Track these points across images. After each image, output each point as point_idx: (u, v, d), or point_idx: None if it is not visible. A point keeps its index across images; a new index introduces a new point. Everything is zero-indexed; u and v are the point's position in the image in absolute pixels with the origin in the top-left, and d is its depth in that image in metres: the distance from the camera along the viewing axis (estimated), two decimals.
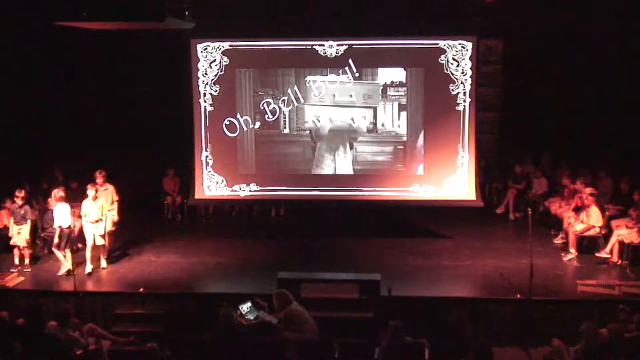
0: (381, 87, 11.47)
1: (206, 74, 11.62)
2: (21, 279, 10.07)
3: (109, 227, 10.68)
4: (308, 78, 11.51)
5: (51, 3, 9.76)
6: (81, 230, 10.43)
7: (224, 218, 13.44)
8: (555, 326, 8.71)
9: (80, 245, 10.65)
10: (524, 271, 9.40)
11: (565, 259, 10.61)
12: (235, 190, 11.87)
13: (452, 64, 11.29)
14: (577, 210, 10.93)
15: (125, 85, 13.72)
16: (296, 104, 11.57)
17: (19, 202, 10.41)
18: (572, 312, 8.83)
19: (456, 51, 11.28)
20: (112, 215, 10.84)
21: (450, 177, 11.52)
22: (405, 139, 11.58)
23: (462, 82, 11.31)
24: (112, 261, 10.75)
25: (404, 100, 11.50)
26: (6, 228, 10.79)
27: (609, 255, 10.39)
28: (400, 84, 11.46)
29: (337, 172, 11.73)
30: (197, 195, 11.95)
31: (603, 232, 10.61)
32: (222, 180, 11.85)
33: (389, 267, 10.15)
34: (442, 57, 11.29)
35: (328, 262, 10.56)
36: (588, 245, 10.78)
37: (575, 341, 7.32)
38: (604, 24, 12.10)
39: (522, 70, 13.44)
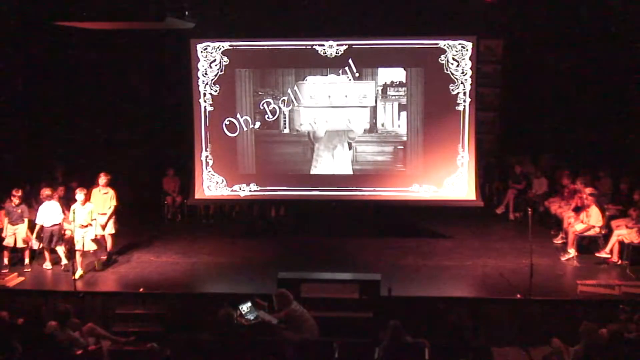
0: (381, 87, 11.48)
1: (206, 74, 11.62)
2: (21, 279, 10.05)
3: (109, 230, 10.58)
4: (308, 78, 11.52)
5: (51, 3, 9.76)
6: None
7: (224, 218, 13.44)
8: (555, 326, 8.70)
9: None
10: (524, 271, 9.40)
11: (563, 258, 10.61)
12: (235, 190, 11.87)
13: (452, 64, 11.29)
14: (577, 210, 10.93)
15: (126, 85, 13.72)
16: (296, 104, 11.57)
17: (16, 201, 10.35)
18: (572, 312, 8.82)
19: (456, 51, 11.28)
20: (105, 219, 10.51)
21: (450, 177, 11.52)
22: (405, 139, 11.58)
23: (462, 82, 11.31)
24: (113, 261, 10.76)
25: (404, 100, 11.50)
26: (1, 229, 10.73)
27: (609, 255, 10.39)
28: (400, 84, 11.46)
29: (336, 172, 11.73)
30: (197, 195, 11.95)
31: (603, 232, 10.61)
32: (222, 180, 11.85)
33: (389, 267, 10.14)
34: (442, 57, 11.30)
35: (328, 262, 10.55)
36: (588, 245, 10.78)
37: (575, 341, 7.32)
38: (604, 23, 12.10)
39: (522, 70, 13.44)
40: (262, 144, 11.76)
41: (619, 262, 10.27)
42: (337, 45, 11.41)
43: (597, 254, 10.55)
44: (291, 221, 13.20)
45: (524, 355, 8.27)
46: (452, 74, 11.31)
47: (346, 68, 11.40)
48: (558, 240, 11.41)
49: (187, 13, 10.69)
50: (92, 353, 7.65)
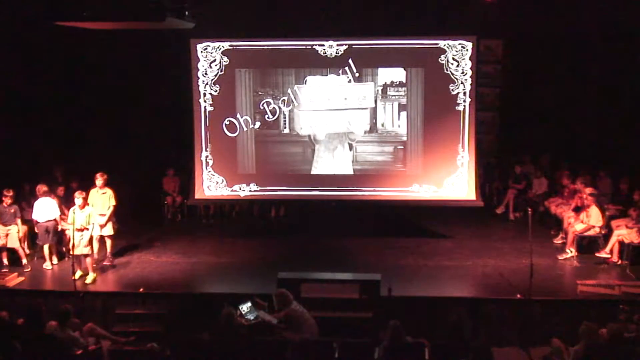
0: (381, 87, 11.48)
1: (206, 74, 11.62)
2: (21, 279, 10.06)
3: (108, 232, 10.54)
4: (308, 79, 11.52)
5: (51, 3, 9.75)
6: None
7: (224, 218, 13.44)
8: (555, 326, 8.71)
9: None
10: (524, 271, 9.40)
11: (560, 258, 10.62)
12: (235, 190, 11.87)
13: (452, 64, 11.29)
14: (577, 210, 10.94)
15: (125, 85, 13.72)
16: (296, 105, 11.57)
17: (8, 201, 10.36)
18: (572, 312, 8.82)
19: (456, 51, 11.28)
20: (105, 219, 10.45)
21: (450, 177, 11.52)
22: (405, 139, 11.57)
23: (462, 82, 11.31)
24: (111, 266, 10.74)
25: (404, 100, 11.50)
26: None
27: (609, 255, 10.40)
28: (400, 84, 11.47)
29: (336, 172, 11.73)
30: (197, 195, 11.95)
31: (603, 232, 10.61)
32: (222, 180, 11.85)
33: (389, 267, 10.14)
34: (442, 57, 11.30)
35: (328, 262, 10.56)
36: (588, 245, 10.78)
37: (575, 341, 7.31)
38: (604, 23, 12.09)
39: (522, 70, 13.44)
40: (262, 144, 11.76)
41: (619, 262, 10.27)
42: (337, 45, 11.41)
43: (597, 254, 10.55)
44: (291, 221, 13.20)
45: (524, 355, 8.27)
46: (452, 74, 11.31)
47: (346, 68, 11.39)
48: (558, 240, 11.41)
49: (187, 13, 10.68)
50: (92, 353, 7.65)
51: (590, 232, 10.62)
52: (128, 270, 10.47)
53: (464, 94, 11.34)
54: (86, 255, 9.97)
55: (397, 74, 11.46)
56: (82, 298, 9.44)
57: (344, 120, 11.58)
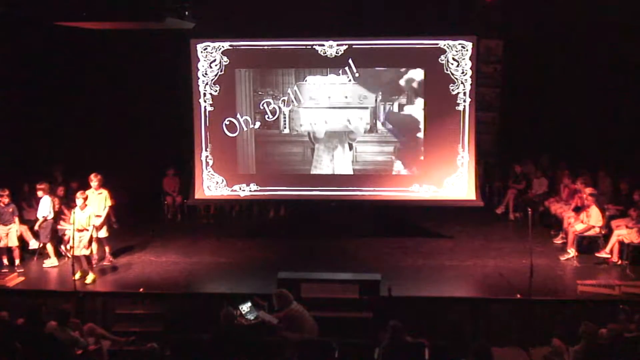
0: (381, 87, 11.47)
1: (206, 74, 11.62)
2: (21, 279, 10.06)
3: (102, 234, 10.52)
4: (308, 78, 11.52)
5: (51, 3, 9.76)
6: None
7: (224, 218, 13.44)
8: (555, 326, 8.71)
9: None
10: (524, 271, 9.40)
11: (562, 258, 10.62)
12: (235, 190, 11.87)
13: (452, 64, 11.29)
14: (577, 210, 10.94)
15: (125, 85, 13.72)
16: (296, 104, 11.58)
17: (5, 200, 10.39)
18: (572, 312, 8.83)
19: (456, 51, 11.28)
20: (101, 220, 10.41)
21: (450, 177, 11.52)
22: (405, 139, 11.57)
23: (462, 82, 11.31)
24: (116, 257, 10.85)
25: (404, 100, 11.50)
26: None
27: (609, 255, 10.39)
28: (401, 84, 11.46)
29: (336, 172, 11.73)
30: (197, 195, 11.95)
31: (603, 232, 10.61)
32: (222, 180, 11.85)
33: (389, 267, 10.15)
34: (442, 57, 11.30)
35: (328, 262, 10.56)
36: (588, 245, 10.78)
37: (575, 341, 7.32)
38: (604, 23, 12.09)
39: (522, 70, 13.44)
40: (262, 144, 11.76)
41: (619, 262, 10.27)
42: (337, 45, 11.41)
43: (597, 254, 10.55)
44: (291, 221, 13.20)
45: (524, 355, 8.28)
46: (452, 74, 11.31)
47: (346, 68, 11.40)
48: (558, 240, 11.41)
49: (187, 13, 10.69)
50: (92, 353, 7.66)
51: (590, 232, 10.61)
52: (128, 270, 10.46)
53: (464, 94, 11.34)
54: (86, 256, 9.96)
55: (397, 73, 11.45)
56: (82, 298, 9.44)
57: (344, 118, 11.58)
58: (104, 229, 10.56)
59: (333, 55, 11.44)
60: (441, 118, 11.43)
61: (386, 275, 9.36)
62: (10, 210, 10.45)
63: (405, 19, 11.38)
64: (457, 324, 8.64)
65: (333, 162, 11.72)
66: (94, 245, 10.27)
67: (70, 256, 10.07)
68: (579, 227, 10.66)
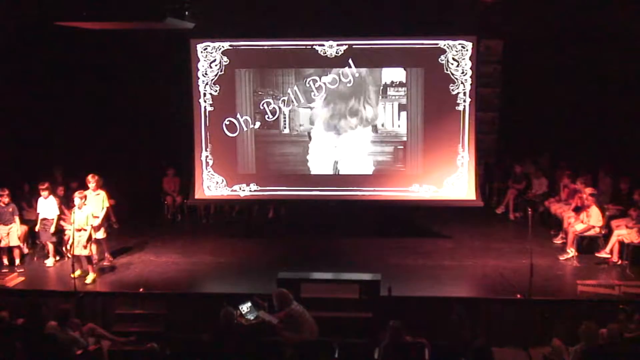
0: (381, 87, 11.48)
1: (206, 74, 11.62)
2: (21, 279, 10.07)
3: (100, 235, 10.50)
4: (308, 79, 11.52)
5: (51, 3, 9.76)
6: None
7: (224, 218, 13.44)
8: (555, 326, 8.71)
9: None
10: (524, 271, 9.40)
11: (562, 258, 10.62)
12: (235, 190, 11.87)
13: (452, 64, 11.29)
14: (577, 210, 10.93)
15: (125, 85, 13.72)
16: (296, 104, 11.58)
17: (5, 200, 10.42)
18: (572, 312, 8.83)
19: (456, 51, 11.27)
20: (99, 221, 10.38)
21: (450, 177, 11.52)
22: (405, 139, 11.57)
23: (462, 82, 11.31)
24: (116, 257, 10.87)
25: (404, 100, 11.50)
26: None
27: (609, 255, 10.39)
28: (400, 84, 11.46)
29: (336, 172, 11.72)
30: (197, 195, 11.95)
31: (603, 232, 10.61)
32: (222, 180, 11.85)
33: (389, 267, 10.14)
34: (442, 57, 11.29)
35: (328, 262, 10.57)
36: (588, 245, 10.78)
37: (575, 341, 7.32)
38: (604, 23, 12.09)
39: (522, 70, 13.44)
40: (262, 144, 11.76)
41: (619, 262, 10.26)
42: (337, 45, 11.40)
43: (597, 254, 10.55)
44: (291, 221, 13.20)
45: (524, 355, 8.28)
46: (452, 74, 11.30)
47: (346, 68, 11.39)
48: (558, 240, 11.41)
49: (187, 13, 10.70)
50: (92, 353, 7.66)
51: (590, 232, 10.61)
52: (128, 270, 10.46)
53: (464, 94, 11.33)
54: (86, 256, 9.96)
55: (397, 74, 11.45)
56: (82, 298, 9.44)
57: (344, 119, 11.57)
58: (102, 230, 10.55)
59: (333, 55, 11.44)
60: (441, 118, 11.42)
61: (386, 275, 9.35)
62: (10, 210, 10.47)
63: (405, 19, 11.37)
64: (457, 324, 8.63)
65: (333, 162, 11.71)
66: (94, 246, 10.27)
67: (70, 256, 10.08)
68: (579, 227, 10.66)
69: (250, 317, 8.24)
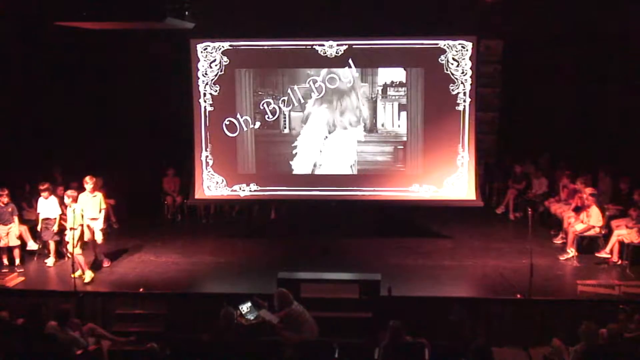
0: (381, 87, 11.48)
1: (206, 74, 11.61)
2: (21, 279, 10.07)
3: (98, 237, 10.47)
4: (308, 79, 11.51)
5: (51, 3, 9.76)
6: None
7: (224, 218, 13.44)
8: (555, 326, 8.71)
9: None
10: (524, 271, 9.40)
11: (562, 258, 10.62)
12: (235, 190, 11.87)
13: (452, 64, 11.28)
14: (577, 210, 10.93)
15: (126, 85, 13.72)
16: (296, 104, 11.57)
17: (5, 199, 10.43)
18: (572, 312, 8.83)
19: (456, 51, 11.27)
20: (98, 223, 10.38)
21: (450, 177, 11.52)
22: (405, 139, 11.57)
23: (462, 82, 11.31)
24: (115, 257, 10.87)
25: (404, 100, 11.50)
26: None
27: (609, 255, 10.39)
28: (400, 84, 11.46)
29: (336, 172, 11.72)
30: (197, 195, 11.95)
31: (603, 232, 10.61)
32: (222, 180, 11.85)
33: (389, 267, 10.15)
34: (442, 57, 11.29)
35: (328, 262, 10.56)
36: (588, 245, 10.78)
37: (575, 341, 7.32)
38: (604, 23, 12.10)
39: (522, 70, 13.44)
40: (262, 144, 11.75)
41: (619, 262, 10.27)
42: (337, 45, 11.40)
43: (597, 254, 10.55)
44: (291, 221, 13.20)
45: (524, 355, 8.28)
46: (452, 74, 11.30)
47: (346, 68, 11.39)
48: (558, 240, 11.41)
49: (187, 13, 10.70)
50: (92, 353, 7.66)
51: (590, 232, 10.61)
52: (128, 270, 10.46)
53: (464, 94, 11.33)
54: (79, 254, 9.95)
55: (397, 74, 11.45)
56: (82, 298, 9.44)
57: (345, 119, 11.57)
58: (99, 233, 10.50)
59: (333, 55, 11.44)
60: (441, 118, 11.42)
61: (386, 275, 9.36)
62: (10, 210, 10.47)
63: (405, 19, 11.36)
64: (457, 324, 8.63)
65: (333, 162, 11.71)
66: (94, 247, 10.29)
67: (70, 256, 10.08)
68: (579, 227, 10.66)
69: (250, 317, 8.24)
